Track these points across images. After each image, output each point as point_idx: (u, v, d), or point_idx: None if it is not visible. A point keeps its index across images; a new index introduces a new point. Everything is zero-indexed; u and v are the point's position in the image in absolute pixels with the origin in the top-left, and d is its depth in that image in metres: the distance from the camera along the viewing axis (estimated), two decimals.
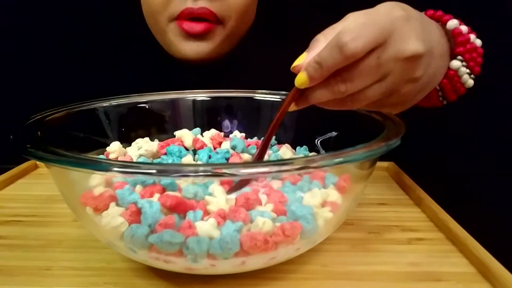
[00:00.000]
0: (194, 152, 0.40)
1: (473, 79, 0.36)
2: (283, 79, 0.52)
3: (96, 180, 0.30)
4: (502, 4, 0.61)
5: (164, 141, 0.41)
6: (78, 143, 0.38)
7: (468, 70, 0.36)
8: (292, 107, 0.32)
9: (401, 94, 0.31)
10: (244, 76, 0.57)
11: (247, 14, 0.51)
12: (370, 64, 0.28)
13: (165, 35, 0.51)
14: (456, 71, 0.36)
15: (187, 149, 0.40)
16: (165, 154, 0.39)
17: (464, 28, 0.36)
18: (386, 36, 0.28)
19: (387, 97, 0.31)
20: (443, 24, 0.36)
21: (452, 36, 0.35)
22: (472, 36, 0.36)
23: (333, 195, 0.30)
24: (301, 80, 0.30)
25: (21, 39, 0.65)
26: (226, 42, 0.52)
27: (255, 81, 0.48)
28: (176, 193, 0.29)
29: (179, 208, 0.27)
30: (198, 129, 0.44)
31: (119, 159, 0.38)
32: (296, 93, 0.31)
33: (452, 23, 0.36)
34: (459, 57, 0.35)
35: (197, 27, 0.48)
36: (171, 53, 0.53)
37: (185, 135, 0.41)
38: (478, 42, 0.36)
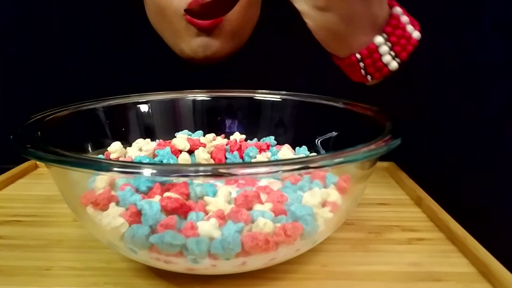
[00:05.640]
0: (190, 152, 0.40)
1: (398, 63, 0.38)
2: (283, 79, 0.52)
3: (101, 183, 0.30)
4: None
5: (159, 143, 0.41)
6: (78, 143, 0.38)
7: (392, 52, 0.38)
8: None
9: None
10: (244, 76, 0.57)
11: (250, 7, 0.51)
12: None
13: (177, 33, 0.51)
14: (377, 47, 0.38)
15: (181, 151, 0.40)
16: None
17: (404, 18, 0.38)
18: None
19: None
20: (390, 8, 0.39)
21: (389, 19, 0.38)
22: (410, 27, 0.38)
23: (333, 195, 0.30)
24: None
25: (22, 39, 0.65)
26: (233, 39, 0.52)
27: (255, 81, 0.48)
28: (175, 193, 0.29)
29: (181, 210, 0.27)
30: (200, 132, 0.44)
31: (120, 159, 0.38)
32: None
33: (396, 10, 0.38)
34: (384, 35, 0.38)
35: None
36: (179, 52, 0.53)
37: (178, 143, 0.40)
38: (415, 34, 0.39)
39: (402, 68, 0.39)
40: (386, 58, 0.38)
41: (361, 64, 0.39)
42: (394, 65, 0.39)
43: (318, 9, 0.35)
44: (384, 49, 0.38)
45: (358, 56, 0.38)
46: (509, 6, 0.56)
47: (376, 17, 0.37)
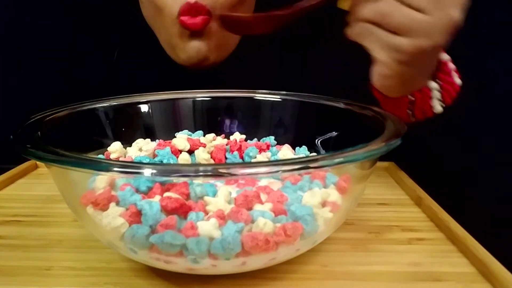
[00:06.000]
0: (190, 152, 0.40)
1: (442, 107, 0.41)
2: (283, 79, 0.52)
3: (101, 183, 0.30)
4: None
5: (159, 143, 0.41)
6: (78, 143, 0.38)
7: (440, 97, 0.40)
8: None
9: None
10: (244, 76, 0.57)
11: (239, 9, 0.51)
12: None
13: (172, 38, 0.51)
14: (430, 91, 0.40)
15: (181, 151, 0.40)
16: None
17: (451, 65, 0.40)
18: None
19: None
20: None
21: (439, 65, 0.40)
22: (454, 74, 0.41)
23: (333, 195, 0.30)
24: None
25: (22, 38, 0.65)
26: (224, 41, 0.52)
27: (255, 81, 0.48)
28: (175, 193, 0.29)
29: (181, 210, 0.27)
30: (200, 132, 0.44)
31: (120, 159, 0.38)
32: None
33: (444, 56, 0.40)
34: (438, 81, 0.40)
35: (197, 19, 0.48)
36: (174, 58, 0.53)
37: (178, 143, 0.40)
38: (458, 81, 0.41)
39: None
40: (434, 102, 0.40)
41: (410, 105, 0.41)
42: (439, 109, 0.41)
43: (399, 63, 0.36)
44: (435, 93, 0.40)
45: (411, 98, 0.40)
46: None
47: (435, 64, 0.40)
